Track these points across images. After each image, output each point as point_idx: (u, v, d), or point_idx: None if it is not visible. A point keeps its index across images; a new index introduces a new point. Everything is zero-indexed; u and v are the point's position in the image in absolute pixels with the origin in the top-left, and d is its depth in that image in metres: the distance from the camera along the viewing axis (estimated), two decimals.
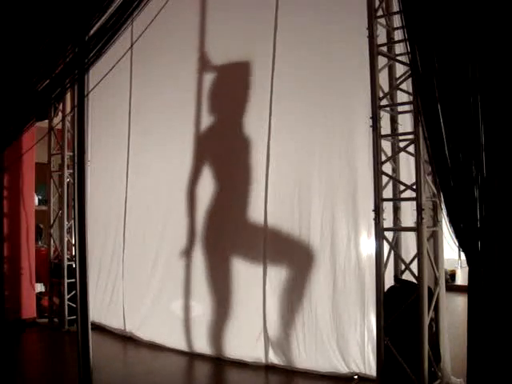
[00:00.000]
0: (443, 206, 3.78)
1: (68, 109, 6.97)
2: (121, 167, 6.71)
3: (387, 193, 4.32)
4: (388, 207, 4.35)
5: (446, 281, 4.59)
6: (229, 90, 5.68)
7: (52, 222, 7.22)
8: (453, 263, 10.32)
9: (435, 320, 4.29)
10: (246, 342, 5.37)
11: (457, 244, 3.63)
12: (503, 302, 3.35)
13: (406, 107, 4.34)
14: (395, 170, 4.44)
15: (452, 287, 7.62)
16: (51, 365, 5.71)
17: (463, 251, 3.58)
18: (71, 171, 6.56)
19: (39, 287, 7.67)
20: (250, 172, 5.48)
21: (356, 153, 4.81)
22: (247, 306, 5.40)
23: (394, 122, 4.41)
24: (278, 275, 5.22)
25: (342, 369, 4.83)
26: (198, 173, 5.88)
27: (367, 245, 4.70)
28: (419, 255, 4.05)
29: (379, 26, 4.29)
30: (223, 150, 5.73)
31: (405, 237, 4.50)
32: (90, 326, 3.90)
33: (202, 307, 5.75)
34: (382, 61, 4.32)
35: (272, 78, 5.28)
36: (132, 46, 5.04)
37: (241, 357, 5.36)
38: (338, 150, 4.93)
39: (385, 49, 4.36)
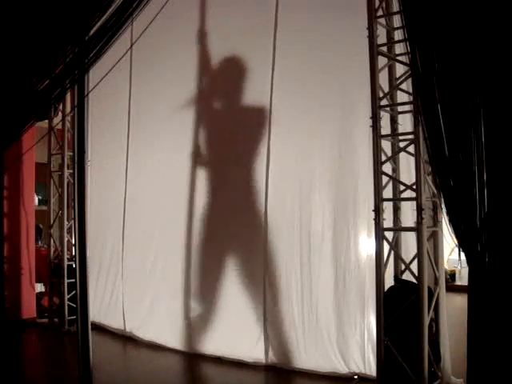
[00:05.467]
0: (443, 206, 3.78)
1: (68, 109, 6.97)
2: (120, 167, 6.70)
3: (387, 193, 4.32)
4: (388, 207, 4.35)
5: (446, 281, 4.59)
6: (229, 90, 5.68)
7: (52, 222, 7.21)
8: (453, 263, 10.30)
9: (435, 320, 4.29)
10: (245, 342, 5.37)
11: (457, 244, 3.63)
12: (503, 301, 3.35)
13: (406, 107, 4.33)
14: (395, 170, 4.44)
15: (452, 287, 7.62)
16: (51, 365, 5.71)
17: (463, 251, 3.58)
18: (71, 171, 6.55)
19: (39, 287, 7.66)
20: (249, 173, 5.48)
21: (356, 153, 4.81)
22: (247, 306, 5.40)
23: (394, 122, 4.41)
24: (278, 275, 5.22)
25: (342, 369, 4.83)
26: (197, 173, 5.88)
27: (367, 245, 4.70)
28: (419, 255, 4.05)
29: (379, 26, 4.29)
30: (223, 149, 5.73)
31: (405, 237, 4.49)
32: (90, 326, 3.91)
33: (202, 307, 5.75)
34: (382, 61, 4.32)
35: (272, 78, 5.28)
36: (132, 45, 5.04)
37: (241, 357, 5.36)
38: (338, 150, 4.93)
39: (385, 49, 4.36)
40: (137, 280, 6.46)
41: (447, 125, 3.52)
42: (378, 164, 4.21)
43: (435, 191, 4.24)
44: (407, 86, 4.29)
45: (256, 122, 5.42)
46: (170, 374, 5.24)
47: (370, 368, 4.67)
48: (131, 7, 3.73)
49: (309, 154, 5.10)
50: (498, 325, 3.35)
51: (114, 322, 6.69)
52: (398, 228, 4.43)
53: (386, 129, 4.32)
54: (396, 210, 4.47)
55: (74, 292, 4.41)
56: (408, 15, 3.74)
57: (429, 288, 4.12)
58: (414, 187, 4.10)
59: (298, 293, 5.08)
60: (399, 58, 4.35)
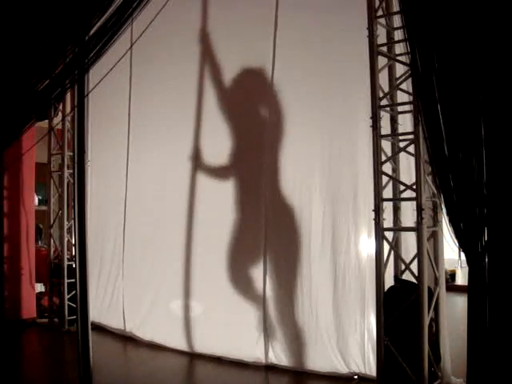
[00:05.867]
0: (443, 206, 3.78)
1: (68, 109, 6.98)
2: (120, 167, 6.70)
3: (387, 193, 4.32)
4: (388, 207, 4.35)
5: (446, 281, 4.59)
6: (229, 90, 5.68)
7: (52, 222, 7.22)
8: (453, 263, 10.31)
9: (435, 320, 4.29)
10: (246, 342, 5.37)
11: (457, 244, 3.63)
12: (503, 301, 3.35)
13: (406, 107, 4.34)
14: (395, 169, 4.44)
15: (452, 287, 7.62)
16: (51, 365, 5.71)
17: (463, 251, 3.58)
18: (71, 171, 6.55)
19: (39, 287, 7.66)
20: (250, 172, 5.48)
21: (356, 153, 4.81)
22: (247, 306, 5.40)
23: (394, 122, 4.41)
24: (278, 275, 5.22)
25: (342, 369, 4.83)
26: (197, 172, 5.88)
27: (367, 245, 4.70)
28: (419, 255, 4.05)
29: (379, 26, 4.29)
30: (223, 149, 5.72)
31: (405, 237, 4.49)
32: (90, 326, 3.91)
33: (202, 307, 5.75)
34: (382, 61, 4.32)
35: (272, 78, 5.28)
36: (132, 45, 5.04)
37: (241, 357, 5.36)
38: (338, 149, 4.92)
39: (385, 49, 4.36)
40: (137, 280, 6.46)
41: (447, 125, 3.52)
42: (377, 164, 4.21)
43: (435, 191, 4.24)
44: (407, 86, 4.29)
45: (257, 120, 5.42)
46: (170, 374, 5.24)
47: (370, 368, 4.67)
48: (131, 7, 3.73)
49: (309, 154, 5.10)
50: (497, 325, 3.35)
51: (113, 322, 6.69)
52: (397, 228, 4.43)
53: (386, 129, 4.32)
54: (396, 210, 4.47)
55: (74, 292, 4.41)
56: (408, 15, 3.74)
57: (429, 288, 4.12)
58: (414, 187, 4.10)
59: (298, 293, 5.08)
60: (399, 57, 4.35)
